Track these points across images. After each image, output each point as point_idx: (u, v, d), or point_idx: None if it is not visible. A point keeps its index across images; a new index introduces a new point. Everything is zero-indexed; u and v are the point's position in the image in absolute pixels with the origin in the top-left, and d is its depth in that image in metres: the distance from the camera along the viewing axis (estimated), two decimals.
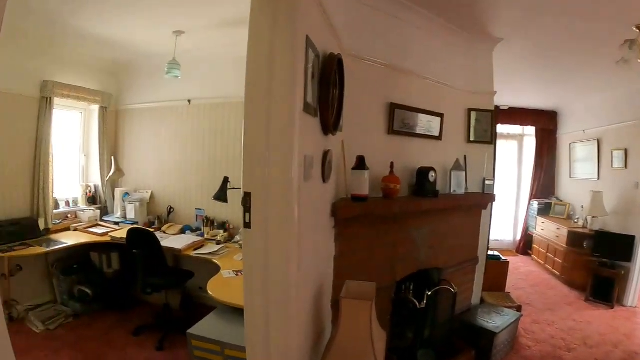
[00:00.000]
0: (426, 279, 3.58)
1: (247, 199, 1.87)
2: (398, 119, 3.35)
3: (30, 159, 4.46)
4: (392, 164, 3.15)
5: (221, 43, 4.34)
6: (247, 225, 1.89)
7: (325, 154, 2.46)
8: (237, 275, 3.34)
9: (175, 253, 4.10)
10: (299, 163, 1.88)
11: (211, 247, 4.12)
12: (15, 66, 4.20)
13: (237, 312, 2.74)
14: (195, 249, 4.09)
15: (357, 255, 2.97)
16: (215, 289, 3.05)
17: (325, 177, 2.46)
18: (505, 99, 6.68)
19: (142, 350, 3.72)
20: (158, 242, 3.92)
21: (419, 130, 3.57)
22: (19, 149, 4.36)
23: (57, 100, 4.60)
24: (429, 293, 3.29)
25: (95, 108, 5.19)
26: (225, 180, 4.09)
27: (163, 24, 3.88)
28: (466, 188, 3.88)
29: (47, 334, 3.92)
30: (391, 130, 3.32)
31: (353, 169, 2.89)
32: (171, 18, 3.75)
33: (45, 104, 4.46)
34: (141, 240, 3.93)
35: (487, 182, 4.06)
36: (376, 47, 3.19)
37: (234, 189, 4.03)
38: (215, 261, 3.75)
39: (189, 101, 4.91)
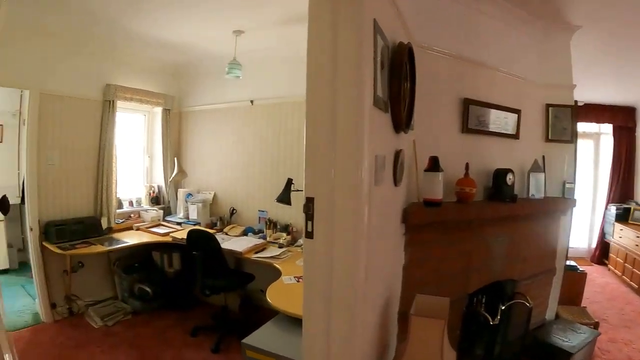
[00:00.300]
0: (499, 292, 3.20)
1: (309, 205, 1.62)
2: (473, 116, 2.99)
3: (94, 160, 4.48)
4: (467, 165, 2.81)
5: (283, 41, 4.12)
6: (309, 234, 1.64)
7: (397, 154, 2.17)
8: (298, 281, 3.10)
9: (236, 255, 3.93)
10: (369, 164, 1.61)
11: (273, 251, 3.91)
12: (79, 71, 4.26)
13: (297, 322, 2.50)
14: (257, 252, 3.89)
15: (428, 265, 2.66)
16: (274, 295, 2.82)
17: (396, 180, 2.17)
18: (578, 93, 6.06)
19: (198, 351, 3.60)
20: (218, 243, 3.78)
21: (493, 128, 3.18)
22: (84, 151, 4.39)
23: (120, 103, 4.61)
24: (503, 307, 2.92)
25: (158, 110, 5.18)
26: (289, 182, 3.90)
27: (222, 24, 3.72)
28: (545, 192, 3.44)
29: (105, 330, 3.91)
30: (465, 129, 2.97)
31: (425, 170, 2.58)
32: (231, 18, 3.58)
33: (108, 107, 4.47)
34: (201, 241, 3.81)
35: (567, 185, 3.60)
36: (445, 37, 2.86)
37: (298, 190, 3.84)
38: (277, 265, 3.53)
39: (252, 101, 4.74)
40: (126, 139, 5.10)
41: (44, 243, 3.95)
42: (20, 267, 5.43)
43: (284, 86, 4.47)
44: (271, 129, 4.62)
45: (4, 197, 1.24)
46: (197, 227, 4.50)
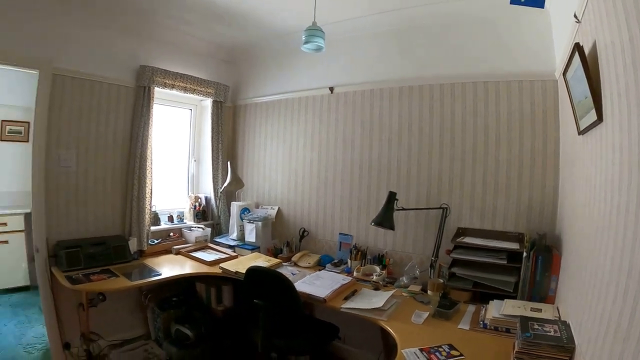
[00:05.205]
0: None
1: None
2: None
3: (123, 163, 3.14)
4: None
5: (376, 7, 2.77)
6: None
7: None
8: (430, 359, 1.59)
9: (315, 302, 2.44)
10: None
11: (369, 296, 2.36)
12: (105, 48, 2.99)
13: None
14: (346, 297, 2.38)
15: None
16: None
17: None
18: None
19: None
20: (292, 289, 2.29)
21: None
22: (110, 151, 3.08)
23: (159, 92, 3.25)
24: None
25: (208, 103, 3.77)
26: (391, 197, 2.47)
27: None
28: None
29: None
30: None
31: None
32: None
33: (142, 95, 3.11)
34: (267, 286, 2.37)
35: None
36: None
37: (402, 209, 2.49)
38: (385, 325, 2.01)
39: (331, 89, 3.25)
40: (167, 138, 3.73)
41: (52, 269, 2.66)
42: None
43: (377, 67, 3.01)
44: (359, 125, 3.12)
45: None
46: (256, 264, 2.93)
